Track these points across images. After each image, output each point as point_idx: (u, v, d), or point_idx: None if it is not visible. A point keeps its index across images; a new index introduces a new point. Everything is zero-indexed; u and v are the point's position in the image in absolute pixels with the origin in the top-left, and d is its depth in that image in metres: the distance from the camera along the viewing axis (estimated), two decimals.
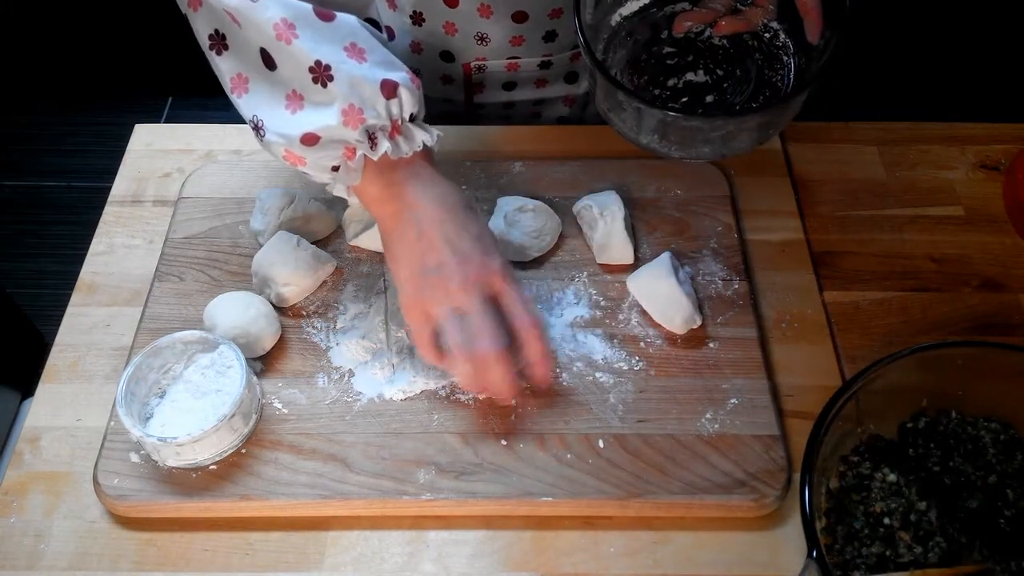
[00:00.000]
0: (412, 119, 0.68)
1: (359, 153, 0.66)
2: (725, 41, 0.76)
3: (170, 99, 2.28)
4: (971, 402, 0.68)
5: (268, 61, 0.66)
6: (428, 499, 0.68)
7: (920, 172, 0.92)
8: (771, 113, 0.71)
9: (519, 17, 0.89)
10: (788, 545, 0.68)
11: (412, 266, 0.68)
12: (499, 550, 0.68)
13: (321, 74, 0.64)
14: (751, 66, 0.75)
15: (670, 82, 0.74)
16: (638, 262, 0.81)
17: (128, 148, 0.95)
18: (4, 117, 2.19)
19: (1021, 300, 0.82)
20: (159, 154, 0.94)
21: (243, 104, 0.68)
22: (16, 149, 2.16)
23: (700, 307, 0.79)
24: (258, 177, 0.89)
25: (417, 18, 0.91)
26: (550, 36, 0.92)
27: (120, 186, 0.91)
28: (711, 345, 0.77)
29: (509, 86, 0.99)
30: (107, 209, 0.89)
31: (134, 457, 0.70)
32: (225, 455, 0.70)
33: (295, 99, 0.66)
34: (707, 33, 0.76)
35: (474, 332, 0.65)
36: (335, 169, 0.68)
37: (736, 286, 0.81)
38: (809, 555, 0.56)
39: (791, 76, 0.74)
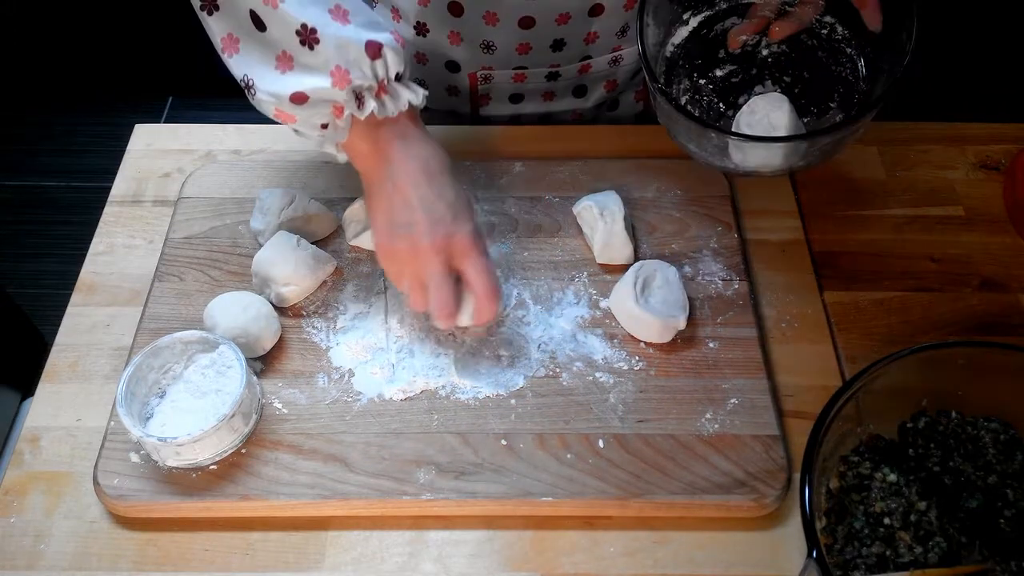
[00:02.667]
0: (399, 78, 0.69)
1: (347, 112, 0.68)
2: (784, 46, 0.76)
3: (170, 99, 2.28)
4: (971, 402, 0.68)
5: (258, 23, 0.67)
6: (428, 499, 0.68)
7: (920, 172, 0.92)
8: (862, 119, 0.70)
9: (526, 23, 0.88)
10: (788, 545, 0.68)
11: (386, 217, 0.71)
12: (499, 550, 0.68)
13: (307, 37, 0.65)
14: (818, 65, 0.75)
15: (740, 99, 0.74)
16: (638, 262, 0.81)
17: (128, 148, 0.95)
18: (4, 117, 2.19)
19: (1021, 300, 0.82)
20: (159, 154, 0.94)
21: (234, 64, 0.69)
22: (16, 149, 2.16)
23: (695, 307, 0.79)
24: (258, 177, 0.89)
25: (421, 28, 0.91)
26: (558, 45, 0.91)
27: (120, 186, 0.91)
28: (711, 345, 0.77)
29: (516, 98, 0.99)
30: (107, 209, 0.89)
31: (134, 457, 0.70)
32: (225, 455, 0.70)
33: (285, 60, 0.67)
34: (763, 42, 0.76)
35: (430, 297, 0.70)
36: (324, 127, 0.69)
37: (736, 286, 0.81)
38: (809, 555, 0.56)
39: (863, 66, 0.73)
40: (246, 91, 0.69)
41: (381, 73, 0.67)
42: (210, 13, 0.68)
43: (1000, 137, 0.95)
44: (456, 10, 0.87)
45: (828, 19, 0.75)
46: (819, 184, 0.91)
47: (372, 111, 0.68)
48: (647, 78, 0.71)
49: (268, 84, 0.68)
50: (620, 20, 0.91)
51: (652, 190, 0.88)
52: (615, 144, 0.93)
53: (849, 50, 0.74)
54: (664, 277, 0.78)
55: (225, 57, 0.70)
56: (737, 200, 0.88)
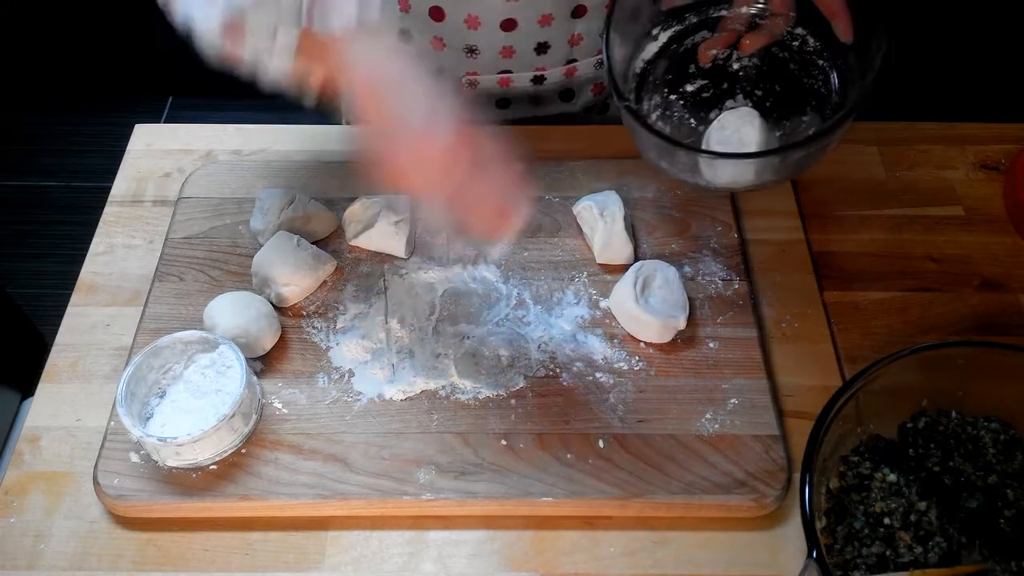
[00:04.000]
0: None
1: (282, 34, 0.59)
2: (755, 59, 0.75)
3: (170, 99, 2.28)
4: (971, 402, 0.68)
5: None
6: (428, 499, 0.68)
7: (920, 172, 0.92)
8: (834, 133, 0.68)
9: (508, 25, 0.88)
10: (788, 545, 0.68)
11: (388, 121, 0.61)
12: (499, 550, 0.68)
13: None
14: (789, 78, 0.74)
15: (712, 114, 0.74)
16: (638, 262, 0.81)
17: (128, 148, 0.95)
18: (4, 117, 2.19)
19: (1021, 300, 0.82)
20: (159, 154, 0.94)
21: (177, 11, 0.61)
22: (16, 149, 2.16)
23: (695, 307, 0.79)
24: (258, 177, 0.89)
25: (404, 36, 0.90)
26: (542, 48, 0.91)
27: (120, 186, 0.91)
28: (711, 345, 0.77)
29: (502, 103, 0.98)
30: (107, 209, 0.89)
31: (134, 457, 0.70)
32: (225, 455, 0.70)
33: None
34: (734, 55, 0.75)
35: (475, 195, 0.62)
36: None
37: (736, 286, 0.81)
38: (809, 555, 0.56)
39: (835, 78, 0.72)
40: (191, 39, 0.61)
41: None
42: None
43: (1000, 137, 0.95)
44: (438, 15, 0.87)
45: (799, 31, 0.74)
46: (819, 184, 0.91)
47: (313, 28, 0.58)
48: (615, 96, 0.69)
49: (205, 18, 0.59)
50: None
51: (652, 190, 0.88)
52: (615, 144, 0.93)
53: (821, 62, 0.73)
54: (664, 277, 0.78)
55: (169, 10, 0.62)
56: (737, 200, 0.88)
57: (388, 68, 0.61)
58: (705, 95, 0.76)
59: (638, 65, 0.76)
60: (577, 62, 0.94)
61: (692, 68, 0.76)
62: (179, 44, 0.63)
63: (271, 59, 0.60)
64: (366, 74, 0.61)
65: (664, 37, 0.76)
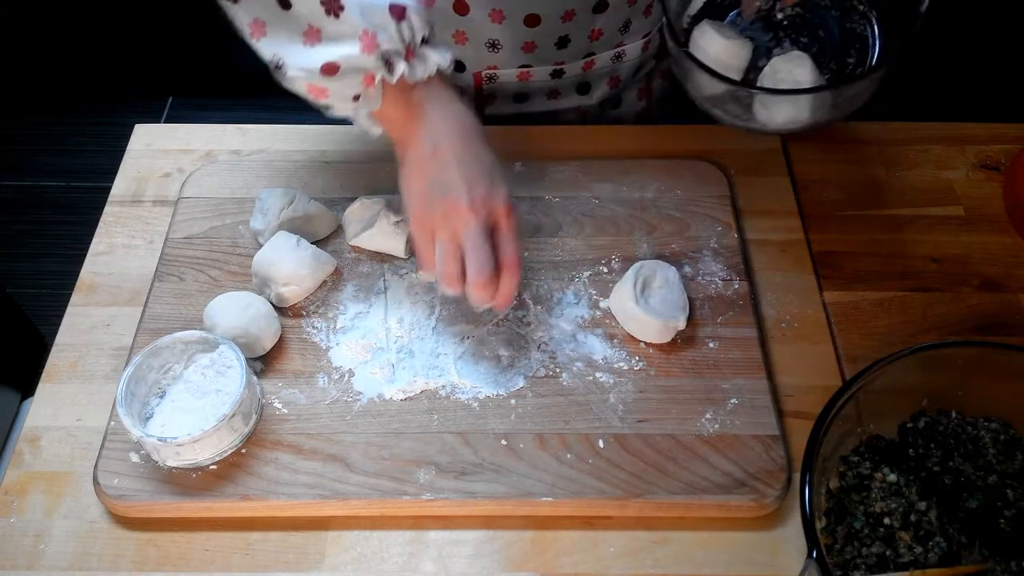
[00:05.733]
0: (425, 41, 0.69)
1: (378, 78, 0.68)
2: (798, 8, 0.77)
3: (170, 99, 2.28)
4: (971, 402, 0.68)
5: (282, 2, 0.67)
6: (428, 499, 0.68)
7: (920, 172, 0.92)
8: (881, 69, 0.72)
9: (531, 21, 0.88)
10: (788, 545, 0.68)
11: (423, 182, 0.70)
12: (499, 550, 0.68)
13: (331, 6, 0.66)
14: (832, 24, 0.76)
15: (759, 64, 0.75)
16: (638, 262, 0.81)
17: (128, 148, 0.95)
18: (4, 117, 2.19)
19: (1021, 300, 0.82)
20: (159, 154, 0.94)
21: (263, 46, 0.69)
22: (16, 149, 2.16)
23: (695, 307, 0.79)
24: (258, 177, 0.89)
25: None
26: (562, 42, 0.91)
27: (120, 186, 0.91)
28: (711, 345, 0.77)
29: (520, 98, 0.99)
30: (107, 209, 0.89)
31: (134, 457, 0.70)
32: (225, 455, 0.70)
33: (312, 34, 0.67)
34: (777, 6, 0.77)
35: (467, 258, 0.68)
36: (356, 99, 0.69)
37: (736, 286, 0.81)
38: (809, 555, 0.56)
39: (876, 22, 0.75)
40: (276, 72, 0.69)
41: (407, 35, 0.67)
42: (235, 1, 0.68)
43: (1000, 137, 0.95)
44: (462, 9, 0.88)
45: None
46: (819, 184, 0.91)
47: (402, 74, 0.68)
48: (670, 41, 0.73)
49: (298, 60, 0.68)
50: (623, 16, 0.92)
51: (652, 190, 0.88)
52: (615, 144, 0.93)
53: (862, 7, 0.76)
54: (664, 277, 0.78)
55: (253, 42, 0.70)
56: (737, 200, 0.88)
57: (463, 118, 0.71)
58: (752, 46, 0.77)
59: (685, 21, 0.79)
60: (595, 56, 0.95)
61: (739, 22, 0.78)
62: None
63: (362, 102, 0.69)
64: (447, 117, 0.70)
65: None
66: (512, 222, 0.70)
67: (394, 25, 0.66)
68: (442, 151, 0.69)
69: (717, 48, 0.74)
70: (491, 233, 0.69)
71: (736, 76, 0.74)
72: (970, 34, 2.08)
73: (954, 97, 2.03)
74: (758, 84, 0.75)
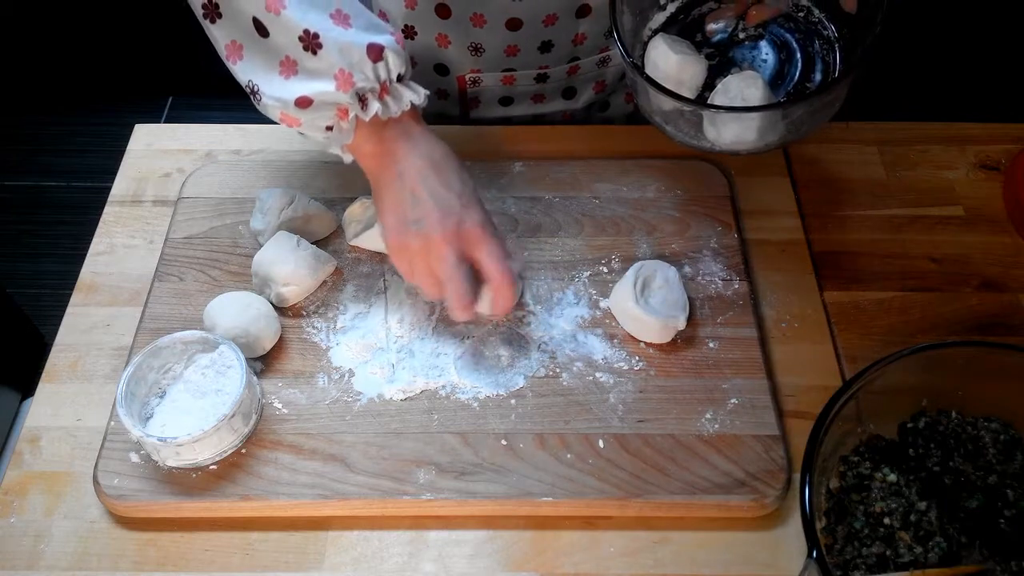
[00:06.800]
0: (400, 79, 0.70)
1: (351, 114, 0.69)
2: (760, 30, 0.77)
3: (170, 99, 2.28)
4: (971, 402, 0.68)
5: (261, 29, 0.67)
6: (428, 499, 0.68)
7: (920, 172, 0.92)
8: (833, 91, 0.71)
9: (513, 24, 0.88)
10: (788, 545, 0.68)
11: (397, 216, 0.71)
12: (499, 550, 0.68)
13: (310, 42, 0.66)
14: (794, 48, 0.76)
15: (717, 82, 0.75)
16: (638, 262, 0.81)
17: (128, 148, 0.95)
18: (4, 117, 2.19)
19: (1021, 300, 0.82)
20: (159, 154, 0.94)
21: (239, 70, 0.70)
22: (16, 149, 2.16)
23: (695, 307, 0.79)
24: (258, 177, 0.89)
25: (409, 32, 0.91)
26: (546, 46, 0.91)
27: (120, 186, 0.91)
28: (711, 345, 0.77)
29: (506, 101, 0.98)
30: (107, 209, 0.89)
31: (134, 457, 0.70)
32: (225, 455, 0.70)
33: (289, 65, 0.68)
34: (740, 26, 0.76)
35: (445, 290, 0.70)
36: (329, 129, 0.70)
37: (736, 286, 0.81)
38: (809, 555, 0.56)
39: (839, 48, 0.74)
40: (251, 96, 0.70)
41: (383, 75, 0.68)
42: (213, 21, 0.69)
43: (1000, 137, 0.95)
44: (444, 12, 0.87)
45: (805, 2, 0.77)
46: (819, 184, 0.91)
47: (376, 112, 0.68)
48: (621, 54, 0.72)
49: (273, 89, 0.68)
50: (607, 21, 0.91)
51: (652, 190, 0.88)
52: (615, 144, 0.93)
53: (825, 32, 0.75)
54: (664, 277, 0.78)
55: (230, 64, 0.70)
56: (737, 200, 0.88)
57: (434, 153, 0.72)
58: (711, 64, 0.77)
59: (646, 34, 0.78)
60: (580, 60, 0.95)
61: (699, 38, 0.78)
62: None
63: (334, 134, 0.70)
64: (418, 155, 0.71)
65: (672, 7, 0.79)
66: (489, 243, 0.70)
67: (370, 65, 0.67)
68: (414, 185, 0.70)
69: (669, 63, 0.73)
70: (474, 257, 0.70)
71: (688, 93, 0.74)
72: (970, 34, 2.08)
73: (954, 97, 2.03)
74: (709, 102, 0.74)
